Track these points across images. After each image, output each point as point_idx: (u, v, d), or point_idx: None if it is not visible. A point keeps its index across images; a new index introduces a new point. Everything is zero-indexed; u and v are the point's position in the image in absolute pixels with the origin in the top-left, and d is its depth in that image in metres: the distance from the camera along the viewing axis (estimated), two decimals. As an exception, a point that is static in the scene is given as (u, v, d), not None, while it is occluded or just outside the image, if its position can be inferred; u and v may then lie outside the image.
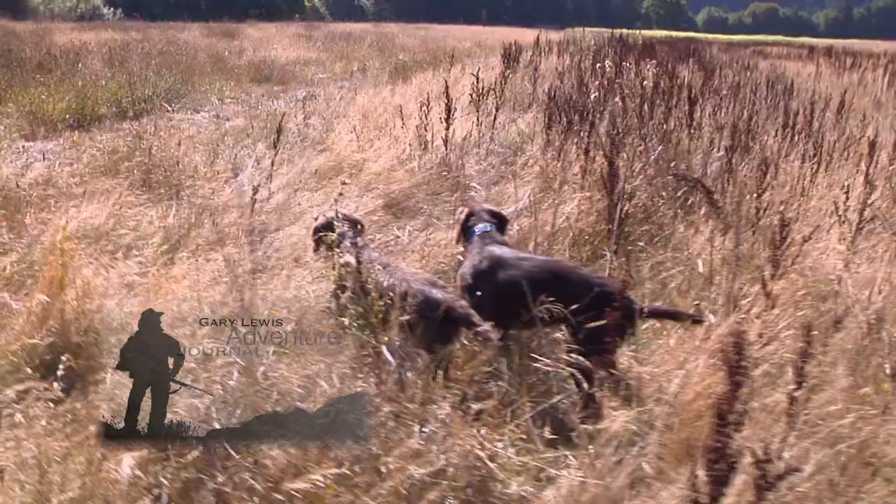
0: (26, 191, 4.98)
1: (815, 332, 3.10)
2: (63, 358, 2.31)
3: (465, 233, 3.29)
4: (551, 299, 2.72)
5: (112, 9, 43.28)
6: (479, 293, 2.93)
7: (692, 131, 5.16)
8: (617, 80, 9.30)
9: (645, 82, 8.89)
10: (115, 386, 2.51)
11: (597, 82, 8.76)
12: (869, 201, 4.01)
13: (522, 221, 4.42)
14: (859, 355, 2.78)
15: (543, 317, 2.75)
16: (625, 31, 24.73)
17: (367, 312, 2.84)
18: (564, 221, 4.21)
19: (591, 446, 2.35)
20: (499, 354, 2.94)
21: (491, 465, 2.27)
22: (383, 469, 2.10)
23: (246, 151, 6.58)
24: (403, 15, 69.73)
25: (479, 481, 2.23)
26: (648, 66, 11.03)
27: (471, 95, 6.95)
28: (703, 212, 4.55)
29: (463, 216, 3.37)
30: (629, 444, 2.41)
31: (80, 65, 11.50)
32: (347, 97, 10.27)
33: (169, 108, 9.20)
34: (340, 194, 3.06)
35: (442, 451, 2.20)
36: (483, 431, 2.40)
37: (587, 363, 2.61)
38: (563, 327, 3.00)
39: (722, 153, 4.90)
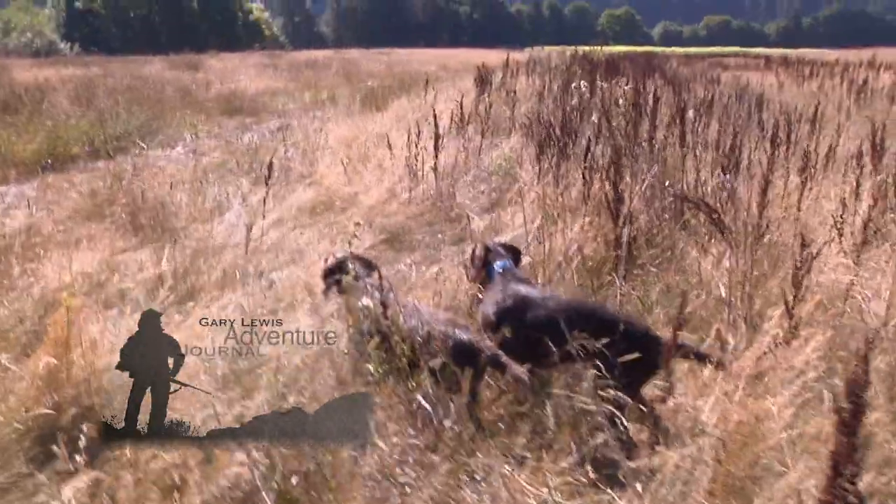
0: (8, 240, 4.80)
1: (844, 353, 3.12)
2: (84, 428, 2.18)
3: (487, 270, 3.22)
4: (582, 337, 2.66)
5: (69, 43, 42.76)
6: (504, 333, 2.85)
7: (685, 150, 5.17)
8: (591, 100, 9.36)
9: (621, 101, 8.94)
10: (137, 451, 2.39)
11: (575, 102, 8.79)
12: (871, 214, 4.02)
13: (527, 249, 4.37)
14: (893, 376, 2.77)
15: (573, 355, 2.69)
16: (586, 48, 25.09)
17: (393, 357, 2.75)
18: (570, 249, 4.16)
19: (636, 484, 2.29)
20: (529, 394, 2.87)
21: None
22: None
23: (230, 188, 6.45)
24: (364, 40, 70.11)
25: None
26: (621, 85, 11.12)
27: (453, 121, 6.92)
28: (704, 231, 4.55)
29: (481, 253, 3.30)
30: (675, 481, 2.35)
31: (45, 103, 11.25)
32: (321, 128, 10.17)
33: (143, 146, 9.02)
34: (355, 235, 2.97)
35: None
36: (525, 476, 2.33)
37: (627, 398, 2.56)
38: (589, 365, 2.94)
39: (718, 171, 4.90)
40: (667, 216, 4.61)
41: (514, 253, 3.39)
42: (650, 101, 7.77)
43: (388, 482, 2.10)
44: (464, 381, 2.63)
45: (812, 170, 5.82)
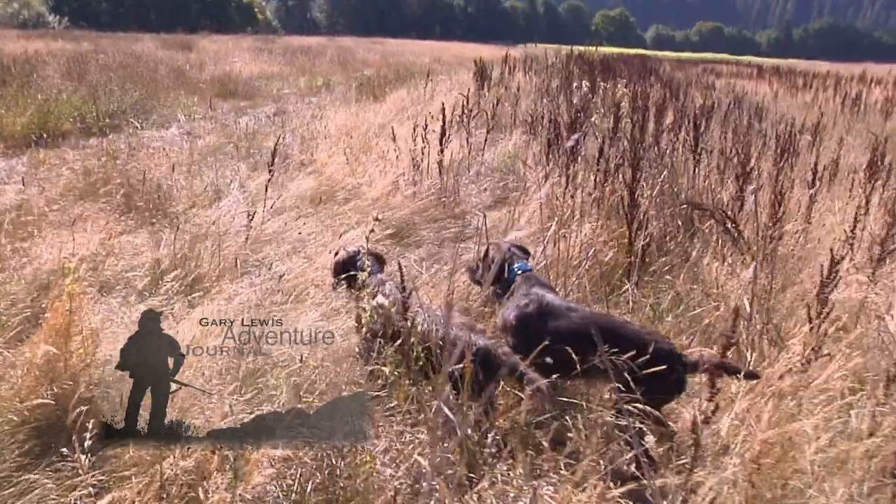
0: (-2, 217, 4.62)
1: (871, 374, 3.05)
2: (90, 426, 2.05)
3: (508, 272, 3.11)
4: (607, 353, 2.56)
5: (57, 16, 42.03)
6: (524, 339, 2.75)
7: (697, 157, 5.08)
8: (593, 101, 9.27)
9: (623, 103, 8.86)
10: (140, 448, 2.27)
11: (576, 102, 8.69)
12: (889, 231, 3.96)
13: (535, 250, 4.27)
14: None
15: (595, 369, 2.60)
16: (581, 48, 25.00)
17: (408, 360, 2.65)
18: (582, 253, 4.07)
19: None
20: (547, 404, 2.77)
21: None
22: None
23: (228, 173, 6.29)
24: (357, 29, 69.72)
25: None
26: (620, 86, 11.05)
27: (458, 116, 6.79)
28: (715, 240, 4.48)
29: (496, 254, 3.19)
30: (704, 501, 2.27)
31: (35, 76, 10.97)
32: (320, 115, 10.00)
33: (137, 125, 8.80)
34: (372, 230, 2.85)
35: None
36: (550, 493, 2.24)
37: (657, 413, 2.47)
38: (612, 381, 2.84)
39: (731, 180, 4.83)
40: (679, 223, 4.52)
41: (524, 253, 3.30)
42: (653, 105, 7.71)
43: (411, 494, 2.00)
44: (485, 388, 2.54)
45: (818, 182, 5.78)
